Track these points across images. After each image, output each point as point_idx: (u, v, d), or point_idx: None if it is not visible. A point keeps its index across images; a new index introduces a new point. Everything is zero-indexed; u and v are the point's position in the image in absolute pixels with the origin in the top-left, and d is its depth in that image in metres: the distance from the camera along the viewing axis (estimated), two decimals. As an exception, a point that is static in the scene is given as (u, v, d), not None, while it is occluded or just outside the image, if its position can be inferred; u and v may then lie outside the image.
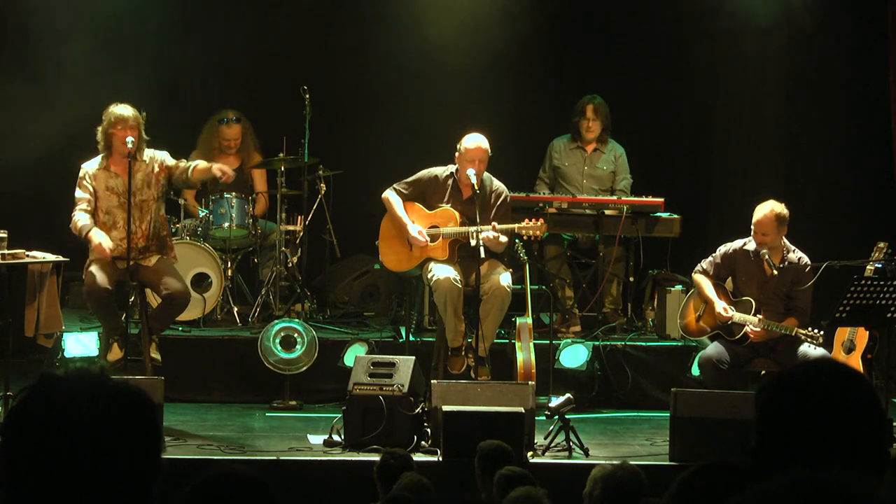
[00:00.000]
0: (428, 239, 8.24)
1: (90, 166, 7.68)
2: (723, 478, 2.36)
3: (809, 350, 7.71)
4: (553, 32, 10.49)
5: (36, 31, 9.74)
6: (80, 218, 7.62)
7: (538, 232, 8.07)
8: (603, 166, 9.67)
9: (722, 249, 8.09)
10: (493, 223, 8.03)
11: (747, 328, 7.79)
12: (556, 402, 7.27)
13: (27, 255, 7.62)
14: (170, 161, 7.77)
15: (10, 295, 7.58)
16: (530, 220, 8.10)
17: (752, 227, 7.86)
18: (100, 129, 7.63)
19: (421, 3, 10.07)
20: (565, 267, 9.61)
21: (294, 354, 8.37)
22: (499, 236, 7.97)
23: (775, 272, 7.82)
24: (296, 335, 8.41)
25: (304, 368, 8.39)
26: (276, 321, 8.61)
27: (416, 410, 7.20)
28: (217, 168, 7.76)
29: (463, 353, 8.10)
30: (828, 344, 7.99)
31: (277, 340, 8.38)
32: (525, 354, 8.04)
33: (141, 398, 1.89)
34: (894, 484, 2.44)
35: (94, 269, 7.55)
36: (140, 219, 7.67)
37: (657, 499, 3.90)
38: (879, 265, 8.05)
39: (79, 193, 7.68)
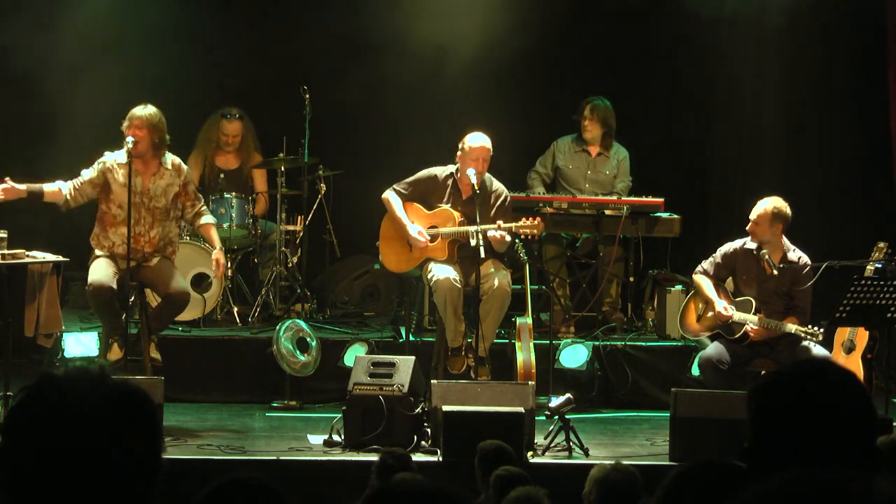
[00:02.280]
0: (428, 239, 8.24)
1: (113, 157, 7.66)
2: (713, 477, 2.36)
3: (810, 348, 7.71)
4: (554, 34, 10.47)
5: (36, 32, 9.73)
6: (56, 183, 7.62)
7: (535, 231, 8.07)
8: (606, 171, 9.67)
9: (722, 249, 8.09)
10: (499, 222, 8.03)
11: (747, 327, 7.79)
12: (556, 402, 7.27)
13: (27, 255, 7.62)
14: (190, 189, 7.85)
15: (10, 295, 7.58)
16: (527, 220, 8.10)
17: (750, 216, 7.89)
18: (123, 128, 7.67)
19: (421, 3, 10.07)
20: (564, 267, 9.61)
21: (309, 358, 8.36)
22: (505, 235, 7.98)
23: (775, 272, 7.82)
24: (308, 338, 8.40)
25: (313, 371, 8.39)
26: (289, 320, 8.59)
27: (416, 410, 7.20)
28: (215, 262, 7.83)
29: (463, 353, 8.10)
30: (828, 344, 7.99)
31: (294, 342, 8.36)
32: (525, 354, 8.04)
33: (141, 398, 1.89)
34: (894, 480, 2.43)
35: (97, 267, 7.55)
36: (150, 224, 7.68)
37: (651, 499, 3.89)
38: (879, 265, 8.05)
39: (84, 172, 7.67)
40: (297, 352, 8.34)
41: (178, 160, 7.83)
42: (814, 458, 2.11)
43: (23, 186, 7.55)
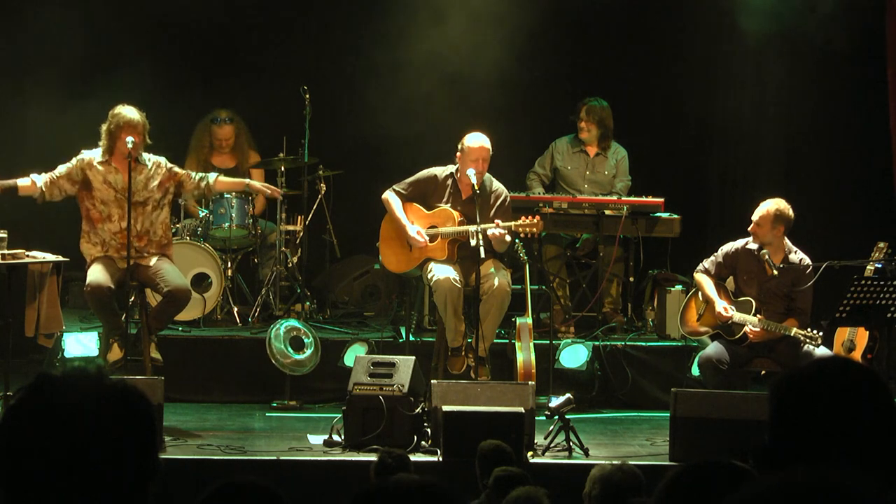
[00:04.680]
0: (427, 239, 8.24)
1: (91, 155, 7.67)
2: (711, 477, 2.35)
3: (811, 349, 7.70)
4: (554, 34, 10.47)
5: (35, 31, 9.74)
6: (30, 176, 7.65)
7: (534, 229, 8.06)
8: (605, 171, 9.66)
9: (724, 249, 8.09)
10: (497, 221, 8.02)
11: (746, 328, 7.78)
12: (556, 402, 7.27)
13: (27, 255, 7.62)
14: (178, 170, 7.83)
15: (10, 295, 7.58)
16: (526, 218, 8.09)
17: (752, 217, 7.89)
18: (104, 127, 7.63)
19: (421, 3, 10.07)
20: (564, 267, 9.61)
21: (303, 356, 8.36)
22: (505, 234, 7.97)
23: (775, 272, 7.82)
24: (304, 336, 8.40)
25: (311, 369, 8.39)
26: (284, 320, 8.59)
27: (416, 410, 7.19)
28: (260, 188, 8.11)
29: (463, 353, 8.09)
30: (828, 344, 7.99)
31: (287, 340, 8.37)
32: (525, 354, 8.04)
33: (137, 397, 1.88)
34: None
35: (95, 267, 7.55)
36: (134, 218, 7.67)
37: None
38: (879, 265, 8.05)
39: (60, 167, 7.69)
40: (290, 349, 8.34)
41: (155, 157, 7.81)
42: (834, 457, 2.10)
43: None
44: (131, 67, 9.76)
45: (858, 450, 2.11)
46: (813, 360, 2.29)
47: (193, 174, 7.92)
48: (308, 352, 8.38)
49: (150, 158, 7.76)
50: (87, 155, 7.69)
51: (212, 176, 7.95)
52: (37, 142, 9.53)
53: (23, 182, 7.65)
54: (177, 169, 7.87)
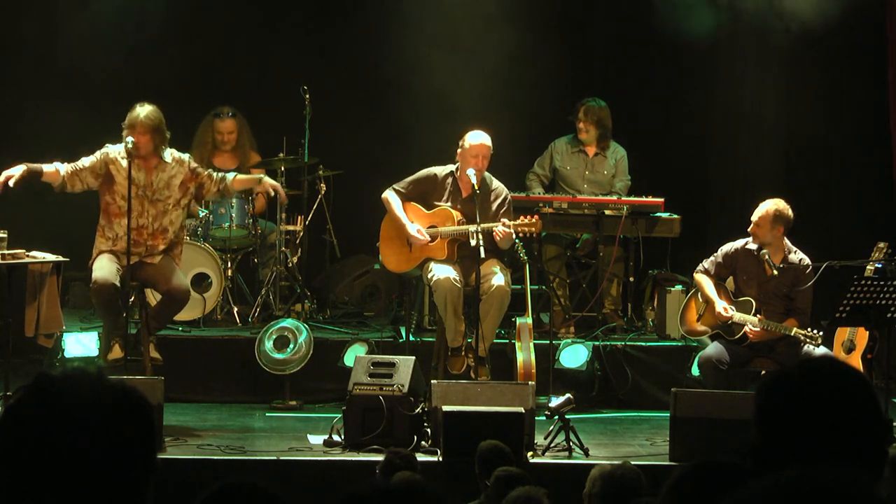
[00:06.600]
0: (428, 237, 8.23)
1: (115, 149, 7.63)
2: (716, 476, 2.36)
3: (812, 349, 7.70)
4: (554, 33, 10.47)
5: (35, 31, 9.74)
6: (54, 164, 7.62)
7: (533, 229, 8.06)
8: (604, 171, 9.66)
9: (724, 249, 8.09)
10: (503, 220, 8.03)
11: (746, 328, 7.78)
12: (556, 402, 7.27)
13: (27, 255, 7.62)
14: (201, 170, 7.81)
15: (10, 295, 7.57)
16: (525, 218, 8.10)
17: (752, 218, 7.89)
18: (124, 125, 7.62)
19: (422, 2, 10.07)
20: (564, 267, 9.61)
21: (285, 355, 8.35)
22: (511, 231, 7.97)
23: (775, 272, 7.82)
24: (289, 335, 8.40)
25: (297, 369, 8.36)
26: (274, 322, 8.60)
27: (416, 410, 7.20)
28: (268, 184, 7.93)
29: (463, 353, 8.09)
30: (828, 344, 7.99)
31: (271, 341, 8.37)
32: (525, 354, 8.04)
33: (136, 398, 1.89)
34: (893, 483, 2.44)
35: (101, 263, 7.53)
36: (154, 216, 7.66)
37: (654, 499, 3.89)
38: (879, 265, 8.05)
39: (83, 159, 7.64)
40: (273, 351, 8.33)
41: (177, 154, 7.77)
42: (819, 456, 2.11)
43: (22, 167, 7.50)
44: (131, 69, 9.78)
45: (842, 449, 2.12)
46: (798, 361, 2.31)
47: (215, 174, 7.88)
48: (290, 351, 8.36)
49: (172, 155, 7.74)
50: (110, 149, 7.64)
51: (230, 175, 7.91)
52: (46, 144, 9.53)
53: (47, 168, 7.58)
54: (200, 169, 7.85)
